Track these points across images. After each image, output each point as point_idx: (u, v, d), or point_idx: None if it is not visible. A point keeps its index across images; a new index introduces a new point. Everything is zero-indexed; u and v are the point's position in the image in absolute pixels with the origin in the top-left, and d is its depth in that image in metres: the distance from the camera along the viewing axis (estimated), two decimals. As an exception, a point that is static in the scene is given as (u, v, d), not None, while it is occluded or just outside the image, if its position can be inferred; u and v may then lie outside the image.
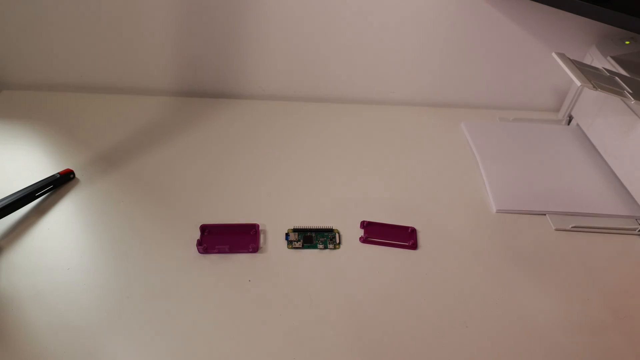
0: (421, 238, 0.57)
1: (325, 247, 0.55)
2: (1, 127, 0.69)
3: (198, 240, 0.53)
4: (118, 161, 0.65)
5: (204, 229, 0.55)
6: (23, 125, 0.70)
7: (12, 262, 0.51)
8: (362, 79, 0.80)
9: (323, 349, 0.45)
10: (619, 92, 0.55)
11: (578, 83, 0.53)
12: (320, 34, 0.74)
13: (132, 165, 0.64)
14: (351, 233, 0.57)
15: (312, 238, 0.56)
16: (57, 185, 0.60)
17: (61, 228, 0.55)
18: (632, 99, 0.54)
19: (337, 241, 0.56)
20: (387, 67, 0.78)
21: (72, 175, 0.61)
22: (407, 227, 0.57)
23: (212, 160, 0.66)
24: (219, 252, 0.53)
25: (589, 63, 0.68)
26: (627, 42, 0.69)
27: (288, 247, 0.55)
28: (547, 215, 0.61)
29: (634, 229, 0.59)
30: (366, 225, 0.57)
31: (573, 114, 0.75)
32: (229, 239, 0.54)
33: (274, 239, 0.56)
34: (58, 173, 0.60)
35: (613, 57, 0.66)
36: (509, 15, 0.72)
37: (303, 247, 0.55)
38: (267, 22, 0.72)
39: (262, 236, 0.56)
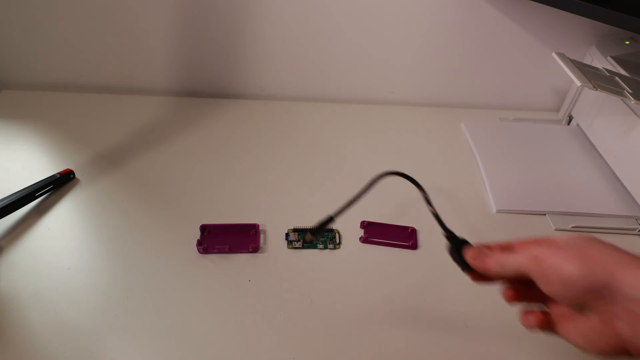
0: (421, 238, 0.57)
1: (325, 247, 0.55)
2: (1, 127, 0.69)
3: (198, 240, 0.53)
4: (118, 161, 0.65)
5: (204, 229, 0.55)
6: (23, 125, 0.70)
7: (12, 262, 0.51)
8: (362, 79, 0.80)
9: (323, 349, 0.45)
10: (619, 92, 0.55)
11: (578, 83, 0.53)
12: (320, 34, 0.74)
13: (132, 165, 0.64)
14: (351, 233, 0.57)
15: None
16: (57, 185, 0.60)
17: (61, 228, 0.55)
18: (632, 99, 0.54)
19: (337, 241, 0.56)
20: (387, 67, 0.78)
21: (72, 175, 0.61)
22: (407, 227, 0.57)
23: (212, 160, 0.66)
24: (219, 252, 0.53)
25: (589, 63, 0.68)
26: (627, 42, 0.69)
27: (288, 247, 0.55)
28: (547, 215, 0.61)
29: (634, 229, 0.59)
30: (366, 225, 0.57)
31: (573, 114, 0.75)
32: (229, 239, 0.54)
33: (274, 239, 0.56)
34: (58, 173, 0.60)
35: (613, 57, 0.66)
36: (509, 15, 0.72)
37: (303, 247, 0.55)
38: (267, 22, 0.72)
39: (262, 236, 0.56)
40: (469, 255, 0.39)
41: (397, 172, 0.46)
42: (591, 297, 0.32)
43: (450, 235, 0.42)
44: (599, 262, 0.32)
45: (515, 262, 0.35)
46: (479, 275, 0.39)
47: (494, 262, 0.37)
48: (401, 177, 0.47)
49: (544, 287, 0.33)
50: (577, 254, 0.32)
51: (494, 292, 0.52)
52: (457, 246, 0.40)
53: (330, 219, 0.45)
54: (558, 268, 0.32)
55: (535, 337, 0.48)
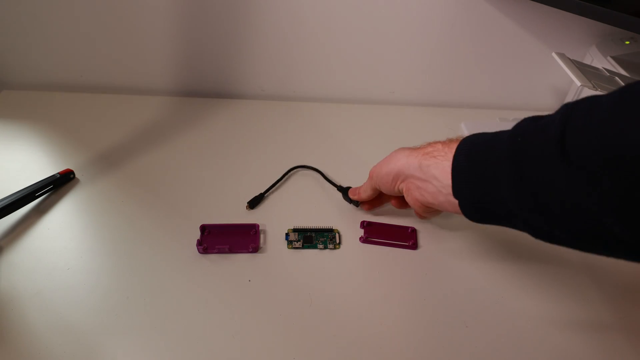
0: (421, 238, 0.57)
1: (325, 247, 0.55)
2: (1, 127, 0.69)
3: (198, 240, 0.53)
4: (118, 161, 0.65)
5: (204, 229, 0.55)
6: (23, 125, 0.70)
7: (12, 262, 0.51)
8: (362, 79, 0.80)
9: (323, 349, 0.45)
10: (619, 92, 0.55)
11: (578, 83, 0.54)
12: (321, 34, 0.74)
13: (132, 165, 0.64)
14: (351, 233, 0.57)
15: (312, 238, 0.56)
16: (57, 185, 0.60)
17: (61, 228, 0.55)
18: (632, 99, 0.54)
19: (337, 241, 0.56)
20: (387, 67, 0.78)
21: (72, 175, 0.61)
22: (407, 227, 0.57)
23: (212, 160, 0.66)
24: (219, 252, 0.53)
25: (589, 63, 0.68)
26: (627, 42, 0.69)
27: (288, 247, 0.55)
28: (547, 215, 0.61)
29: (634, 229, 0.59)
30: (366, 225, 0.57)
31: (573, 114, 0.75)
32: (229, 239, 0.54)
33: (274, 239, 0.56)
34: (58, 173, 0.60)
35: (613, 57, 0.66)
36: (509, 15, 0.72)
37: (303, 247, 0.55)
38: (267, 22, 0.72)
39: (262, 236, 0.56)
40: (350, 194, 0.58)
41: (303, 166, 0.66)
42: (399, 184, 0.49)
43: (339, 187, 0.61)
44: (394, 161, 0.49)
45: (368, 183, 0.54)
46: (366, 205, 0.58)
47: (361, 190, 0.56)
48: (307, 169, 0.65)
49: (382, 189, 0.52)
50: (386, 161, 0.51)
51: (494, 291, 0.52)
52: (345, 193, 0.60)
53: (262, 195, 0.61)
54: (379, 173, 0.51)
55: (535, 337, 0.48)
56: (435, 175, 0.44)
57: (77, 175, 0.62)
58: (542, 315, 0.50)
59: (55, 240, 0.54)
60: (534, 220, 0.36)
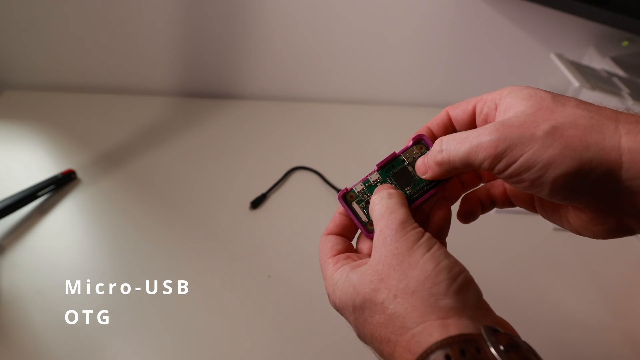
0: (421, 238, 0.57)
1: (326, 247, 0.55)
2: (3, 128, 0.70)
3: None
4: (119, 161, 0.65)
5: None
6: (25, 126, 0.70)
7: (13, 262, 0.51)
8: (362, 79, 0.80)
9: (323, 349, 0.45)
10: (617, 92, 0.56)
11: (576, 84, 0.54)
12: (321, 35, 0.74)
13: (133, 165, 0.64)
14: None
15: (312, 238, 0.56)
16: (59, 185, 0.60)
17: (62, 228, 0.55)
18: (630, 100, 0.55)
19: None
20: (387, 67, 0.78)
21: (73, 176, 0.61)
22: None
23: (212, 159, 0.66)
24: None
25: (587, 64, 0.68)
26: (625, 43, 0.69)
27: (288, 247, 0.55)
28: (546, 215, 0.61)
29: (632, 229, 0.60)
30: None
31: (572, 114, 0.76)
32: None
33: (274, 238, 0.56)
34: (60, 173, 0.60)
35: (611, 58, 0.66)
36: (508, 16, 0.72)
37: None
38: (267, 22, 0.73)
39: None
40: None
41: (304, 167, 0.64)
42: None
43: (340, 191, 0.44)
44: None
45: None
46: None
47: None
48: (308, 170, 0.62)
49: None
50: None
51: (493, 291, 0.52)
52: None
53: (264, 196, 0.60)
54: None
55: (535, 337, 0.48)
56: None
57: (78, 176, 0.62)
58: (541, 314, 0.50)
59: (57, 240, 0.54)
60: None
